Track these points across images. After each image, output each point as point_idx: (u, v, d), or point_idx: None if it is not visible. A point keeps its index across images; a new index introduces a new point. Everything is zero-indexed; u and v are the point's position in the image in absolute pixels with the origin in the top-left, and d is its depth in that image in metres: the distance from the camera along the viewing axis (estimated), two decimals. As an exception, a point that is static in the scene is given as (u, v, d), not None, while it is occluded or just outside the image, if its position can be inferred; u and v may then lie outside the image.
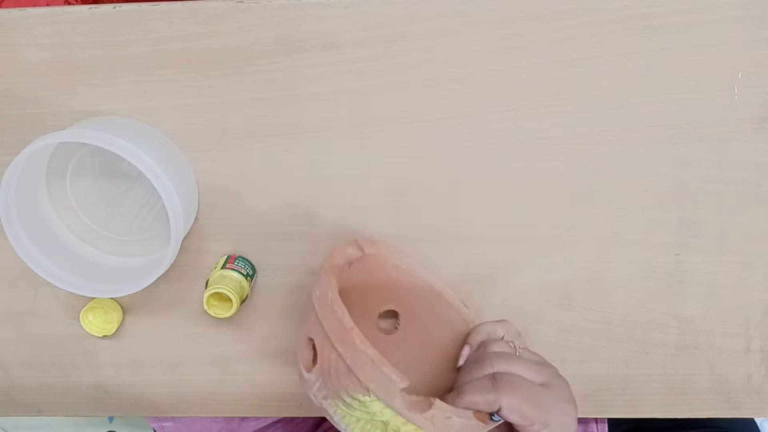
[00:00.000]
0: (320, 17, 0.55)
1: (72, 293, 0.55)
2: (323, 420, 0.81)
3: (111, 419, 1.28)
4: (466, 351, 0.54)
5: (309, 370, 0.47)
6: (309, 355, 0.48)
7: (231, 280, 0.57)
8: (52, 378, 0.65)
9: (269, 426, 0.76)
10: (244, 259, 0.60)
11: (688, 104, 0.56)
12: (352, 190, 0.59)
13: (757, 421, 0.86)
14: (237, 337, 0.63)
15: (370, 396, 0.43)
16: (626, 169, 0.57)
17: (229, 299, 0.57)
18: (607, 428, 0.75)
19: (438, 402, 0.44)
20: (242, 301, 0.58)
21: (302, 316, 0.50)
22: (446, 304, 0.58)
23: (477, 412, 0.47)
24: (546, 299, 0.60)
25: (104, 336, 0.62)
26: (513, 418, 0.46)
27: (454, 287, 0.59)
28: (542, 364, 0.51)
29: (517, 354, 0.51)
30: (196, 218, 0.60)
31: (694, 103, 0.56)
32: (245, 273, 0.59)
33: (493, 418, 0.47)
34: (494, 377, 0.47)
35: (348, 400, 0.44)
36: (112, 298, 0.62)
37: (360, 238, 0.55)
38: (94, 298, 0.61)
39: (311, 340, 0.47)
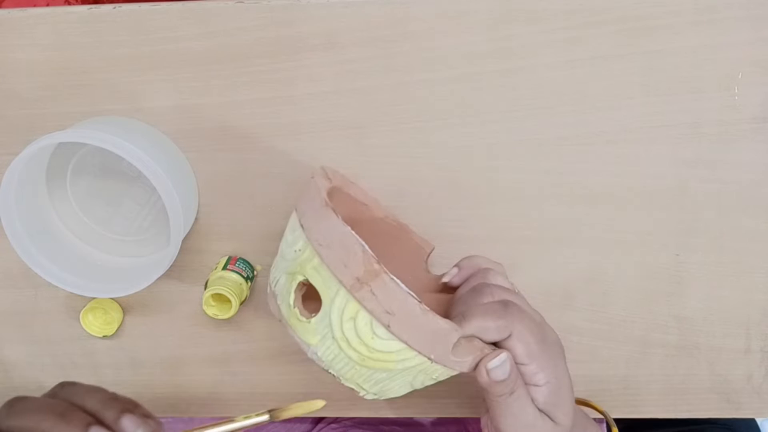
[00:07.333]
0: (320, 17, 0.55)
1: (72, 293, 0.55)
2: (322, 419, 0.81)
3: (111, 419, 1.28)
4: (453, 271, 0.50)
5: (306, 317, 0.47)
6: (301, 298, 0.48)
7: (231, 281, 0.57)
8: (52, 378, 0.65)
9: (269, 426, 0.76)
10: (245, 261, 0.60)
11: (688, 104, 0.56)
12: (352, 190, 0.59)
13: (758, 421, 0.86)
14: (237, 337, 0.63)
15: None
16: (626, 169, 0.57)
17: (229, 300, 0.57)
18: (607, 428, 0.75)
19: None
20: (241, 303, 0.58)
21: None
22: (407, 231, 0.58)
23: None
24: (546, 299, 0.60)
25: (104, 336, 0.62)
26: (519, 350, 0.43)
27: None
28: (535, 310, 0.48)
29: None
30: (196, 218, 0.60)
31: (694, 103, 0.56)
32: (245, 275, 0.58)
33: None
34: (505, 303, 0.43)
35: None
36: (112, 298, 0.62)
37: (324, 166, 0.53)
38: (94, 298, 0.61)
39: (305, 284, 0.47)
